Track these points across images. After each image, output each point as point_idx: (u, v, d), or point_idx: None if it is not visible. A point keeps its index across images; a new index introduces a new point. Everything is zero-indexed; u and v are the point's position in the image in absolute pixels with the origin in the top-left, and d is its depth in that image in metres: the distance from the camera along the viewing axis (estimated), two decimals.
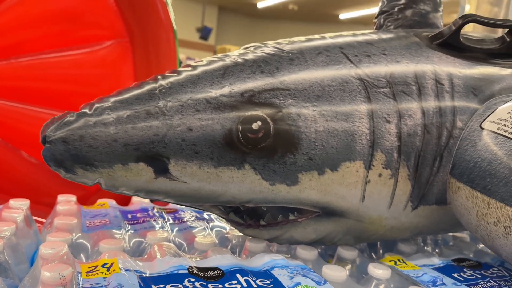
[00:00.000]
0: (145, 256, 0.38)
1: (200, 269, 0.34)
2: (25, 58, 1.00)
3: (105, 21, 1.10)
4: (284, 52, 0.41)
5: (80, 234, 0.42)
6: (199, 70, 0.39)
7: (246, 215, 0.42)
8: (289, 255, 0.44)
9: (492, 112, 0.41)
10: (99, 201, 0.53)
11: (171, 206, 0.55)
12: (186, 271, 0.33)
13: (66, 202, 0.51)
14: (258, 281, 0.33)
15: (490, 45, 0.48)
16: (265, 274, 0.35)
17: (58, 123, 0.35)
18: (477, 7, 1.47)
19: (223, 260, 0.36)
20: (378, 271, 0.39)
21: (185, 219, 0.50)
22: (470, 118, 0.42)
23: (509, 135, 0.38)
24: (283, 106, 0.37)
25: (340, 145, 0.38)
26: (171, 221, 0.49)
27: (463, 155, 0.41)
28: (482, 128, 0.41)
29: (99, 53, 1.12)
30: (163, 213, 0.52)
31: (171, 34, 1.16)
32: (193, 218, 0.51)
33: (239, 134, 0.35)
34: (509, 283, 0.41)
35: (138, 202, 0.56)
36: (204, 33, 6.86)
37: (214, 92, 0.36)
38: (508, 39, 0.48)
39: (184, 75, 0.38)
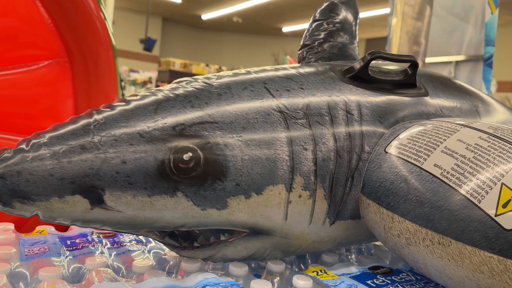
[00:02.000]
0: (84, 283, 0.40)
1: None
2: None
3: (42, 41, 1.10)
4: (212, 87, 0.45)
5: (18, 263, 0.44)
6: (133, 104, 0.42)
7: (181, 238, 0.45)
8: (224, 272, 0.47)
9: (395, 138, 0.48)
10: (38, 228, 0.54)
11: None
12: None
13: (3, 231, 0.51)
14: None
15: (395, 76, 0.55)
16: None
17: None
18: (403, 21, 1.60)
19: (158, 282, 0.39)
20: (300, 282, 0.44)
21: (123, 243, 0.53)
22: (376, 143, 0.49)
23: (407, 159, 0.45)
24: (212, 138, 0.41)
25: (264, 171, 0.42)
26: (110, 246, 0.51)
27: (371, 176, 0.47)
28: (386, 152, 0.47)
29: (36, 72, 1.11)
30: (102, 237, 0.53)
31: (111, 52, 1.17)
32: (132, 242, 0.54)
33: (171, 164, 0.39)
34: (414, 286, 0.47)
35: (77, 228, 0.57)
36: (148, 44, 6.79)
37: (147, 126, 0.40)
38: (410, 72, 0.55)
39: (118, 110, 0.41)
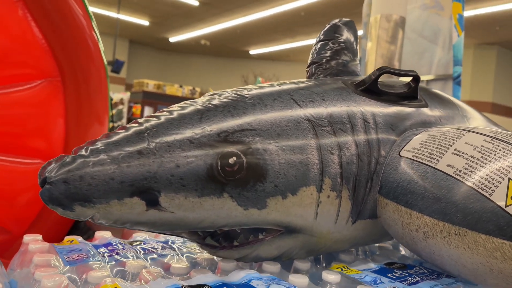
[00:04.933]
0: (138, 281, 0.42)
1: (192, 286, 0.40)
2: None
3: (34, 60, 1.11)
4: (246, 98, 0.49)
5: (66, 268, 0.45)
6: (177, 114, 0.45)
7: (222, 238, 0.49)
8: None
9: (407, 143, 0.53)
10: (67, 238, 0.56)
11: (136, 238, 0.59)
12: None
13: (35, 241, 0.52)
14: None
15: (399, 90, 0.61)
16: (246, 285, 0.41)
17: (57, 165, 0.39)
18: (378, 45, 1.70)
19: (208, 278, 0.42)
20: (330, 276, 0.48)
21: (153, 249, 0.55)
22: (390, 148, 0.54)
23: (421, 161, 0.50)
24: (252, 143, 0.45)
25: (298, 173, 0.46)
26: (143, 252, 0.53)
27: (388, 178, 0.52)
28: (401, 156, 0.52)
29: (28, 92, 1.12)
30: (131, 245, 0.55)
31: (102, 71, 1.19)
32: (160, 248, 0.56)
33: (219, 168, 0.42)
34: (429, 277, 0.52)
35: (101, 237, 0.59)
36: (116, 66, 6.73)
37: (195, 133, 0.43)
38: (413, 85, 0.61)
39: (165, 119, 0.44)
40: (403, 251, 0.68)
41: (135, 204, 0.40)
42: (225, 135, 0.44)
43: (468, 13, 6.11)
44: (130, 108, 6.01)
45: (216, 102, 0.48)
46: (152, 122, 0.44)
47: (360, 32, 2.01)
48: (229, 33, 8.99)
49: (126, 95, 5.94)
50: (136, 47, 10.75)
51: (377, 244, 0.70)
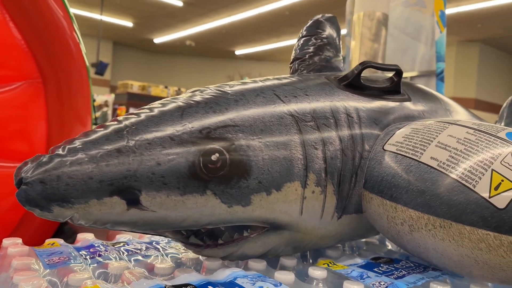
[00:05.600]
0: (120, 283, 0.41)
1: (175, 286, 0.39)
2: None
3: (14, 62, 1.09)
4: (229, 94, 0.48)
5: (46, 271, 0.44)
6: (158, 111, 0.44)
7: (206, 236, 0.48)
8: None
9: (391, 137, 0.53)
10: (48, 240, 0.54)
11: (119, 240, 0.58)
12: None
13: (14, 244, 0.51)
14: None
15: (382, 84, 0.61)
16: (231, 284, 0.41)
17: (33, 165, 0.38)
18: (361, 43, 1.70)
19: (192, 277, 0.41)
20: (316, 272, 0.47)
21: (136, 250, 0.54)
22: (374, 142, 0.54)
23: (405, 154, 0.50)
24: (235, 140, 0.44)
25: (282, 169, 0.46)
26: (126, 253, 0.52)
27: (372, 172, 0.52)
28: (385, 150, 0.52)
29: (8, 94, 1.09)
30: (114, 247, 0.54)
31: (84, 72, 1.17)
32: (144, 248, 0.55)
33: (201, 165, 0.42)
34: (415, 271, 0.52)
35: (83, 239, 0.58)
36: (100, 68, 6.66)
37: (176, 130, 0.42)
38: (395, 79, 0.61)
39: (145, 116, 0.43)
40: (389, 245, 0.68)
41: (115, 203, 0.39)
42: (207, 132, 0.43)
43: (450, 10, 6.22)
44: (114, 110, 5.94)
45: (197, 98, 0.47)
46: (132, 120, 0.43)
47: (344, 31, 2.02)
48: (214, 34, 8.97)
49: (110, 97, 5.87)
50: (120, 48, 10.65)
51: (363, 240, 0.70)
